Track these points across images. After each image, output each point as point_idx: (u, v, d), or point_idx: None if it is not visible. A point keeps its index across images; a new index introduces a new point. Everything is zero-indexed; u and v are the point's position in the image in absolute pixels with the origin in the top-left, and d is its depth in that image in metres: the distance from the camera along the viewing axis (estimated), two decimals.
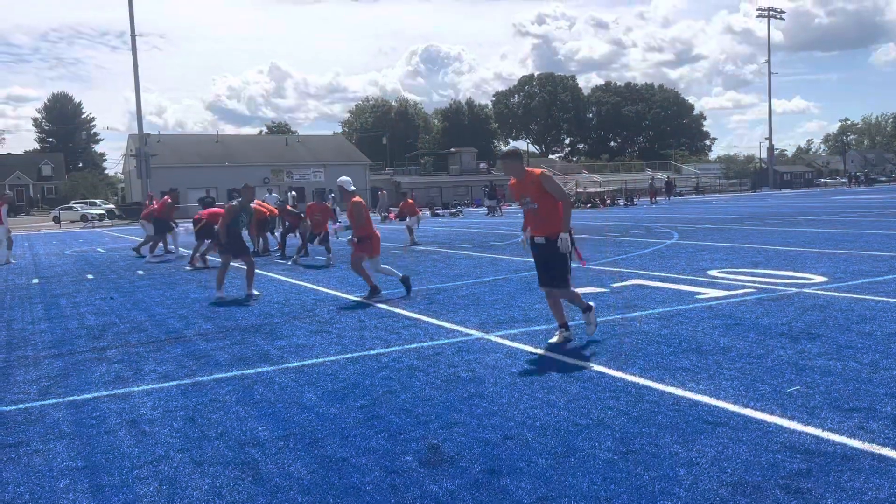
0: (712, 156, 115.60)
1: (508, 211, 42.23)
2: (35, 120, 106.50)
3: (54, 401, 5.36)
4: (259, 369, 6.04)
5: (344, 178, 10.26)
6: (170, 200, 17.66)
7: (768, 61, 75.33)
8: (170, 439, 4.41)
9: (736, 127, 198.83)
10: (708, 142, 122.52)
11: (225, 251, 10.49)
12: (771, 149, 78.88)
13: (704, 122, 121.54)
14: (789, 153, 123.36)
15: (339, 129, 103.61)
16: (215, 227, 14.58)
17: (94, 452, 4.25)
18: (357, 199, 9.85)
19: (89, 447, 4.35)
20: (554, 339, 6.51)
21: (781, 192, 66.24)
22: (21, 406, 5.25)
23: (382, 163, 74.86)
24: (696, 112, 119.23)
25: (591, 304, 6.72)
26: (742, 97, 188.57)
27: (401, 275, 9.89)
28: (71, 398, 5.40)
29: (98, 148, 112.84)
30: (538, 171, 6.41)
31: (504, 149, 8.03)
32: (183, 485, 3.72)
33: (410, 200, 20.28)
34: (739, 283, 9.49)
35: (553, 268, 6.35)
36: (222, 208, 10.57)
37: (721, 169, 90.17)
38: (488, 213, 37.61)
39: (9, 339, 7.93)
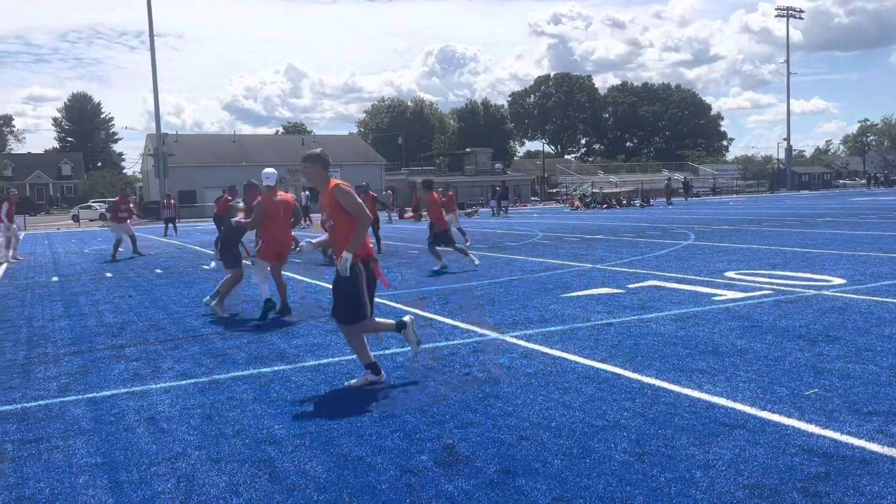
0: (729, 156, 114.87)
1: (522, 211, 42.18)
2: (55, 119, 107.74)
3: (74, 398, 5.42)
4: (275, 368, 6.07)
5: (267, 170, 8.64)
6: (229, 197, 17.69)
7: (787, 61, 74.75)
8: (187, 437, 4.45)
9: (754, 127, 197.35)
10: (725, 142, 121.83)
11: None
12: (789, 149, 78.22)
13: (722, 123, 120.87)
14: (808, 154, 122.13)
15: (354, 130, 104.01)
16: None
17: (112, 449, 4.30)
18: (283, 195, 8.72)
19: (108, 444, 4.40)
20: (353, 382, 5.40)
21: (799, 193, 65.64)
22: (41, 402, 5.32)
23: (398, 163, 75.00)
24: (713, 112, 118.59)
25: (406, 318, 5.70)
26: (760, 97, 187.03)
27: (268, 297, 8.39)
28: (90, 395, 5.46)
29: (116, 147, 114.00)
30: (334, 182, 5.32)
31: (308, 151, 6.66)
32: (200, 482, 3.75)
33: (451, 193, 18.63)
34: (757, 285, 9.43)
35: (338, 297, 5.31)
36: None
37: (738, 170, 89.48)
38: (492, 214, 37.52)
39: (29, 336, 8.03)
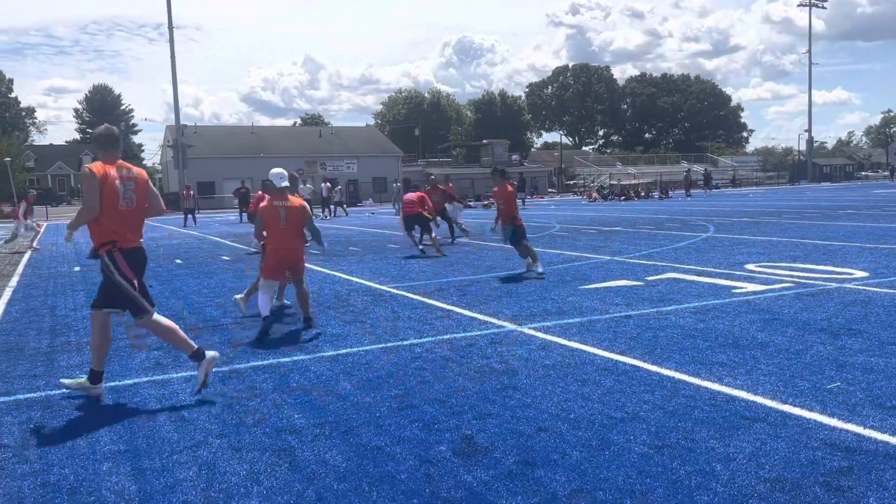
0: (749, 148, 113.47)
1: (540, 203, 42.06)
2: (76, 111, 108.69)
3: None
4: (294, 358, 6.11)
5: (274, 170, 7.40)
6: (261, 195, 17.66)
7: (809, 51, 73.75)
8: (208, 425, 4.49)
9: (774, 119, 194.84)
10: (745, 134, 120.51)
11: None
12: (810, 141, 77.30)
13: (742, 114, 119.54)
14: (829, 145, 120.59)
15: (371, 121, 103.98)
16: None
17: (135, 437, 4.35)
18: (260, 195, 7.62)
19: (131, 432, 4.45)
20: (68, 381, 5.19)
21: (820, 185, 64.87)
22: (65, 390, 5.38)
23: (415, 154, 74.99)
24: (733, 103, 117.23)
25: (209, 353, 5.10)
26: (781, 88, 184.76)
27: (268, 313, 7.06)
28: (113, 384, 5.53)
29: (136, 139, 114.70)
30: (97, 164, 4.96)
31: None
32: (222, 470, 3.79)
33: (451, 185, 19.10)
34: (777, 278, 9.34)
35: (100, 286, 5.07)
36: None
37: (758, 161, 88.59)
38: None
39: (52, 325, 8.14)
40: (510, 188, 10.97)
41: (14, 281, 12.46)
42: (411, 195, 15.29)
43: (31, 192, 21.86)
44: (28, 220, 20.22)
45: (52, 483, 3.72)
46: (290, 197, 7.30)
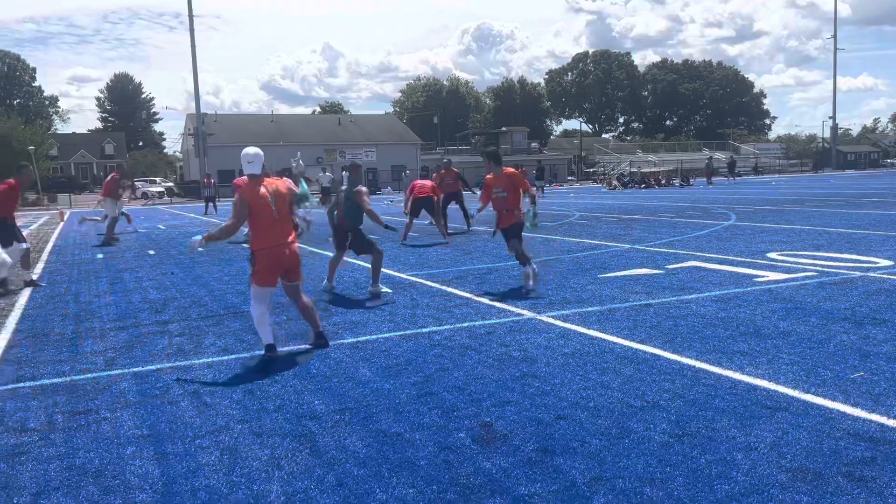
0: (772, 135, 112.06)
1: (559, 191, 41.87)
2: (98, 100, 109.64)
3: (120, 371, 5.56)
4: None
5: (248, 150, 5.92)
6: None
7: (834, 36, 72.49)
8: (230, 410, 4.54)
9: (798, 105, 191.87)
10: (768, 121, 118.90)
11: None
12: (835, 128, 76.12)
13: (764, 101, 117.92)
14: (854, 132, 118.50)
15: (390, 109, 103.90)
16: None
17: (158, 421, 4.41)
18: (240, 182, 6.19)
19: (154, 416, 4.51)
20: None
21: (845, 172, 63.93)
22: (89, 376, 5.47)
23: (433, 142, 74.88)
24: (755, 90, 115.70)
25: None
26: (805, 74, 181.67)
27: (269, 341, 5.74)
28: (136, 369, 5.60)
29: (157, 127, 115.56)
30: None
31: None
32: (243, 455, 3.83)
33: (455, 170, 17.86)
34: (800, 266, 9.24)
35: None
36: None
37: (781, 149, 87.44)
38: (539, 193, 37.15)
39: (76, 311, 8.25)
40: (512, 171, 8.77)
41: (39, 268, 12.64)
42: (424, 181, 15.61)
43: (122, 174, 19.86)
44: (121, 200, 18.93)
45: (78, 466, 3.78)
46: (274, 180, 5.96)
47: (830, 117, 74.94)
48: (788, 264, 9.50)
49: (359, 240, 8.47)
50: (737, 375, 4.81)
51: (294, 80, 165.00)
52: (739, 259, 10.16)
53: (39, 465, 3.82)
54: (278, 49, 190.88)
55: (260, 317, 5.68)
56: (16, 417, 4.59)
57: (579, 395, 4.56)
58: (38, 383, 5.33)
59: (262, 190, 5.71)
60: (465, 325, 6.66)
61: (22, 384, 5.32)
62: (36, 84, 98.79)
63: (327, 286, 8.85)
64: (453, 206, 16.71)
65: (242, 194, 5.72)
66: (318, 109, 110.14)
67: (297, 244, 5.94)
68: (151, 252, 14.51)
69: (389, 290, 8.34)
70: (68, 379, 5.41)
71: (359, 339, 6.30)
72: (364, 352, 5.85)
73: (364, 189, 8.40)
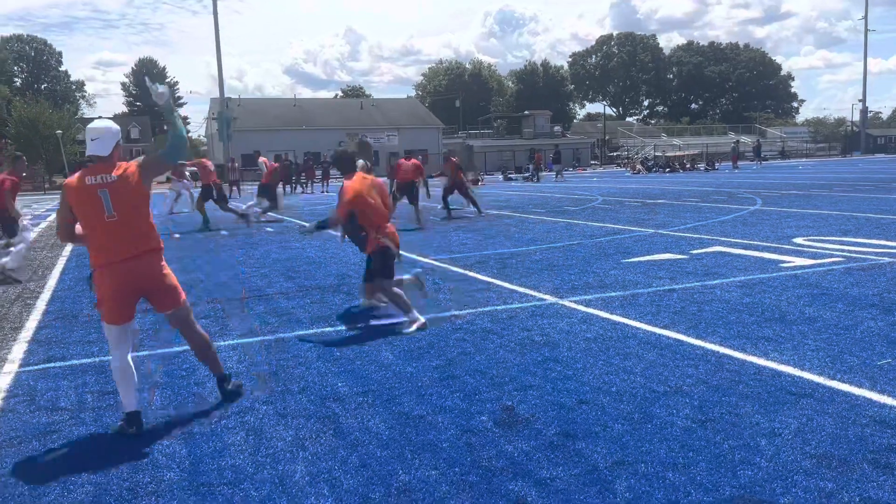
0: (800, 119, 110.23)
1: (582, 175, 41.60)
2: (123, 84, 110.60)
3: (147, 353, 5.65)
4: (338, 328, 6.20)
5: (93, 124, 4.22)
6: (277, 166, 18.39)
7: (865, 17, 70.94)
8: (255, 392, 4.60)
9: (826, 88, 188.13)
10: (795, 104, 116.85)
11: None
12: (864, 111, 74.66)
13: (792, 83, 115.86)
14: (884, 115, 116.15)
15: (412, 93, 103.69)
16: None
17: (185, 402, 4.48)
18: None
19: (180, 397, 4.58)
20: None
21: (874, 156, 62.77)
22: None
23: (455, 126, 74.64)
24: (783, 72, 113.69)
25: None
26: (834, 56, 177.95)
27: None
28: (162, 350, 5.68)
29: (182, 111, 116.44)
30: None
31: None
32: (268, 435, 3.89)
33: (456, 160, 16.91)
34: (827, 252, 9.11)
35: None
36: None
37: (809, 132, 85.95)
38: (557, 177, 36.84)
39: None
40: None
41: (67, 250, 12.84)
42: (406, 162, 15.50)
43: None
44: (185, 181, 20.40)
45: (107, 445, 3.86)
46: (116, 164, 4.15)
47: (860, 100, 73.49)
48: (815, 249, 9.38)
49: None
50: (761, 361, 4.77)
51: (316, 63, 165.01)
52: (765, 244, 10.05)
53: (71, 443, 3.91)
54: (301, 32, 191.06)
55: (117, 370, 4.11)
56: (47, 396, 4.69)
57: (601, 379, 4.56)
58: (67, 363, 5.44)
59: (91, 180, 4.03)
60: (487, 309, 6.67)
61: (52, 364, 5.43)
62: (62, 69, 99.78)
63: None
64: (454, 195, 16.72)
65: (64, 189, 4.17)
66: (339, 94, 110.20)
67: (156, 257, 4.24)
68: (177, 235, 14.66)
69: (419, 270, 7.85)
70: (97, 360, 5.51)
71: (381, 322, 6.34)
72: (386, 335, 5.88)
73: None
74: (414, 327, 5.93)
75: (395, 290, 6.08)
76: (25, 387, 4.91)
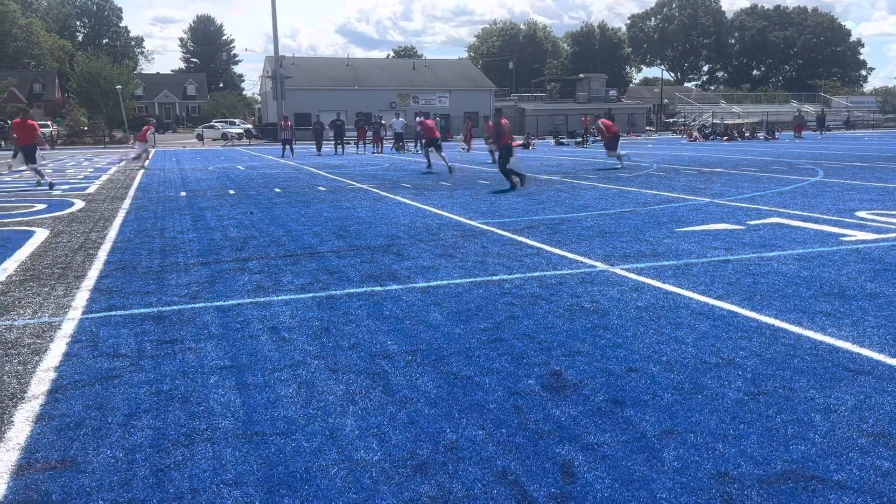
0: (867, 88, 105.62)
1: (636, 141, 40.77)
2: (181, 40, 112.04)
3: (203, 305, 5.80)
4: (388, 287, 6.26)
5: None
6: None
7: None
8: (307, 346, 4.70)
9: None
10: (864, 72, 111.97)
11: None
12: None
13: (861, 50, 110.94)
14: None
15: (465, 54, 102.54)
16: None
17: (239, 354, 4.60)
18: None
19: (235, 349, 4.71)
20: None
21: None
22: (175, 308, 5.73)
23: (507, 88, 73.71)
24: (852, 39, 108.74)
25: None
26: None
27: None
28: (218, 303, 5.83)
29: (237, 69, 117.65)
30: None
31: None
32: (320, 389, 3.97)
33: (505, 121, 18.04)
34: (892, 226, 8.79)
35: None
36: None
37: (877, 102, 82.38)
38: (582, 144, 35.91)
39: (162, 246, 8.61)
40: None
41: (126, 203, 13.20)
42: (430, 121, 20.84)
43: (150, 120, 27.78)
44: (147, 144, 25.01)
45: (165, 391, 4.00)
46: None
47: None
48: (879, 224, 9.05)
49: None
50: (818, 336, 4.66)
51: (369, 23, 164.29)
52: (825, 217, 9.74)
53: (131, 388, 4.06)
54: None
55: None
56: (108, 343, 4.87)
57: (652, 348, 4.52)
58: (127, 312, 5.62)
59: None
60: (536, 274, 6.64)
61: (113, 313, 5.63)
62: (122, 24, 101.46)
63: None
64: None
65: None
66: (391, 54, 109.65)
67: None
68: (231, 192, 14.93)
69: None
70: (155, 310, 5.68)
71: (430, 283, 6.38)
72: (435, 296, 5.92)
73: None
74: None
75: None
76: (88, 333, 5.10)
